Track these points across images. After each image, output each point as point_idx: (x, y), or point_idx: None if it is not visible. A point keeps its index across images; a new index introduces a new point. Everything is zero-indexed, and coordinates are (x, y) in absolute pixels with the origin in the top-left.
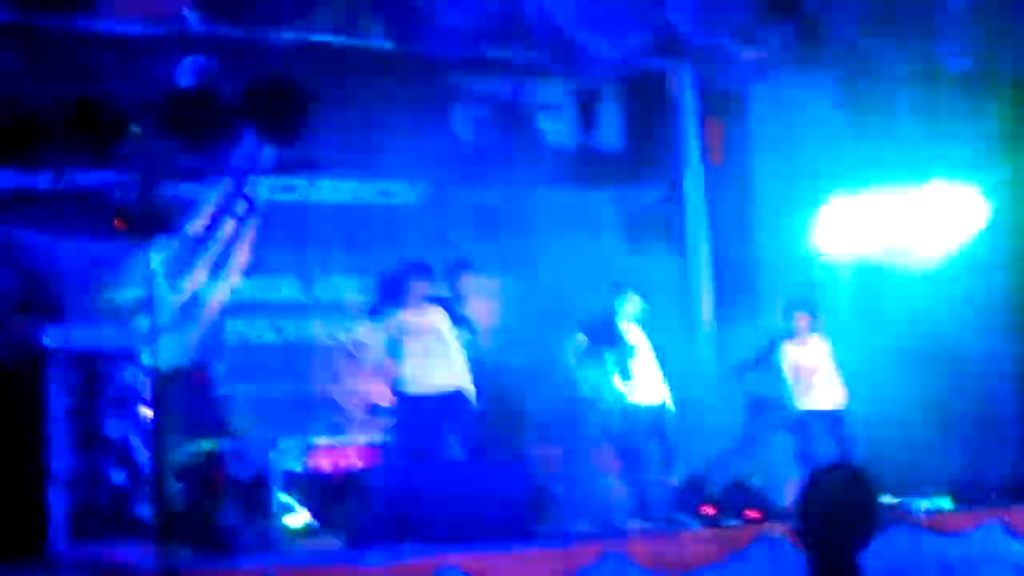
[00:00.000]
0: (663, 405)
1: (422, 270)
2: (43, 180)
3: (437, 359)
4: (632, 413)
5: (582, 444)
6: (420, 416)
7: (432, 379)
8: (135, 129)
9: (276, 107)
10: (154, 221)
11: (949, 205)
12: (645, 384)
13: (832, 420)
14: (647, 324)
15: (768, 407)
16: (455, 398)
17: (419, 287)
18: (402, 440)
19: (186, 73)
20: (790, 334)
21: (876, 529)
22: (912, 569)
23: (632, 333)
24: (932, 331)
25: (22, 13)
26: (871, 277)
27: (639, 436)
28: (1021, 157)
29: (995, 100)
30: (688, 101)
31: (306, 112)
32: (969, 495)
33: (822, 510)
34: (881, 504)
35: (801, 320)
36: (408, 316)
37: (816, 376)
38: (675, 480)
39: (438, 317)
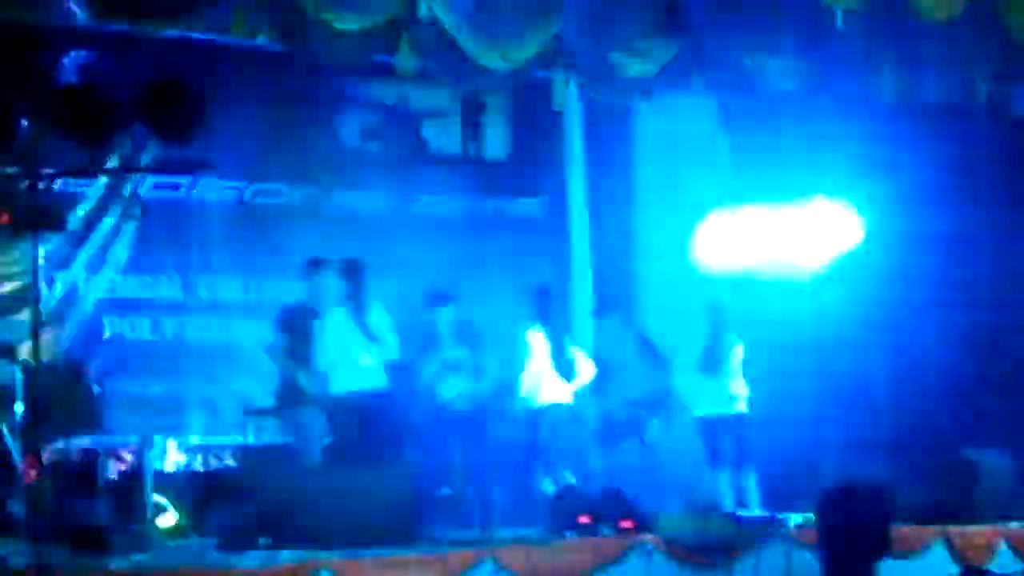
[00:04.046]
0: (552, 407)
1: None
2: None
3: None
4: (517, 416)
5: (466, 447)
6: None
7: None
8: (23, 123)
9: (172, 107)
10: (40, 216)
11: (825, 221)
12: (534, 386)
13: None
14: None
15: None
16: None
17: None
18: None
19: (70, 69)
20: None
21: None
22: None
23: (529, 336)
24: (807, 346)
25: None
26: (747, 290)
27: (525, 440)
28: (892, 176)
29: (871, 121)
30: (573, 113)
31: (203, 113)
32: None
33: (842, 525)
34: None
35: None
36: None
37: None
38: (553, 487)
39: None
